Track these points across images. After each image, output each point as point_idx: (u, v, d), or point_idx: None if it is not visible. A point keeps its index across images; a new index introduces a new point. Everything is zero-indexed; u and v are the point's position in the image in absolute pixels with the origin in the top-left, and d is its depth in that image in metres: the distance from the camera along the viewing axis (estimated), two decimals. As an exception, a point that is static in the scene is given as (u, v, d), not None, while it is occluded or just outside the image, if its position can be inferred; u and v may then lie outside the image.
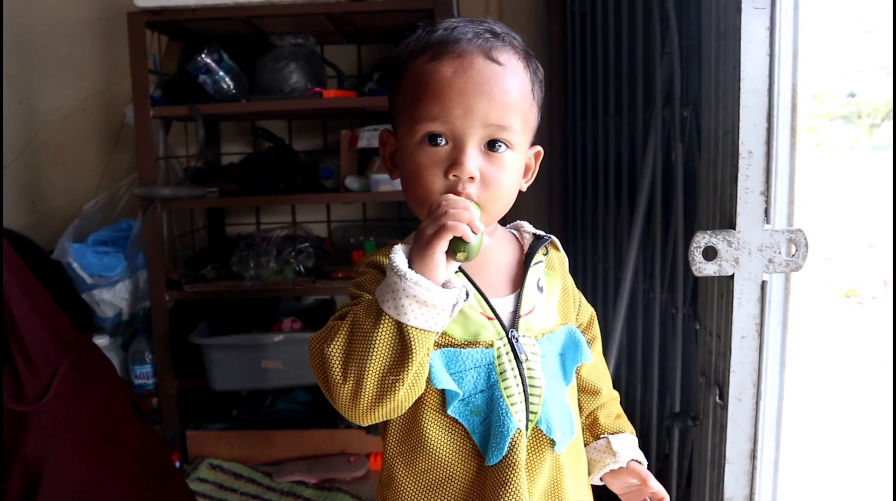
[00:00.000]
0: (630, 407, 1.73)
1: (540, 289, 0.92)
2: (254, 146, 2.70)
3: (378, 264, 0.86)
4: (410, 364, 0.74)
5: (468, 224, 0.75)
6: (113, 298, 2.32)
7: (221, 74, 2.26)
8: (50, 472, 1.10)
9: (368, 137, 2.24)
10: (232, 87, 2.28)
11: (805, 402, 3.01)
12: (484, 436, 0.85)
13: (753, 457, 1.22)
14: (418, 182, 0.83)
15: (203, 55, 2.23)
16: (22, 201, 2.70)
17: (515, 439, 0.84)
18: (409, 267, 0.75)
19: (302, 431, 2.26)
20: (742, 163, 1.11)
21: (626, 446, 1.00)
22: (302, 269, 2.26)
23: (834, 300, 5.10)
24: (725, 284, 1.17)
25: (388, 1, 2.15)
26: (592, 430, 1.02)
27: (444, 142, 0.82)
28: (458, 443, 0.85)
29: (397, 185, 2.15)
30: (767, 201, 1.13)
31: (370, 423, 0.80)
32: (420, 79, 0.83)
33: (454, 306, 0.76)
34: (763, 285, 1.15)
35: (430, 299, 0.74)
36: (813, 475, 2.42)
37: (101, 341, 2.25)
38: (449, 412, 0.84)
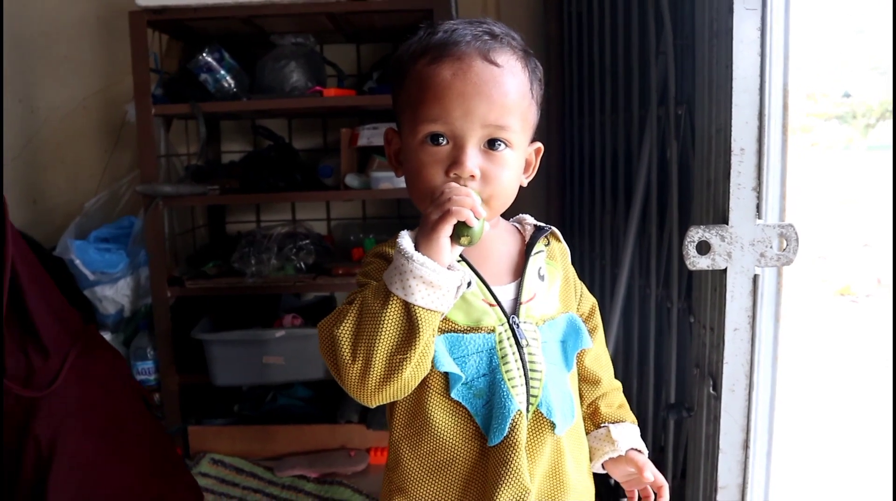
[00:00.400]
0: (627, 400, 1.76)
1: (541, 277, 0.95)
2: (254, 145, 2.73)
3: (384, 254, 0.90)
4: (417, 343, 0.78)
5: (471, 210, 0.79)
6: (115, 294, 2.34)
7: (223, 72, 2.28)
8: (61, 453, 1.13)
9: (368, 136, 2.26)
10: (233, 85, 2.30)
11: (802, 398, 3.05)
12: (486, 418, 0.88)
13: (746, 447, 1.25)
14: (421, 180, 0.87)
15: (204, 54, 2.25)
16: (23, 199, 2.72)
17: (516, 420, 0.87)
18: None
19: (303, 426, 2.29)
20: (734, 160, 1.14)
21: (626, 435, 1.02)
22: (303, 266, 2.28)
23: (828, 299, 5.14)
24: (718, 278, 1.20)
25: (388, 1, 2.18)
26: (594, 419, 1.04)
27: (445, 142, 0.86)
28: (462, 425, 0.89)
29: (397, 183, 2.19)
30: (759, 197, 1.16)
31: (377, 404, 0.83)
32: (421, 81, 0.86)
33: (458, 287, 0.80)
34: (755, 278, 1.18)
35: (436, 279, 0.78)
36: (811, 469, 2.46)
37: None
38: (452, 395, 0.87)
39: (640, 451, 1.02)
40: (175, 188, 2.24)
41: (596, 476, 1.03)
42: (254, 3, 2.12)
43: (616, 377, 1.09)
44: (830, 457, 2.57)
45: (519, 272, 0.94)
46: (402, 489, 0.91)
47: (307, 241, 2.32)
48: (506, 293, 0.92)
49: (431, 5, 2.15)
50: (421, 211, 0.86)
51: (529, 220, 1.00)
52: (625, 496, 1.05)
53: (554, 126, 2.48)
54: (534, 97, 0.91)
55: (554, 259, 1.00)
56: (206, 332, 2.22)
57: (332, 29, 2.36)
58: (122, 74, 2.54)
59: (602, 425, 1.03)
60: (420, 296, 0.78)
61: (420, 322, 0.78)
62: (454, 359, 0.87)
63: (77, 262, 2.26)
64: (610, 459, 1.01)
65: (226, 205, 2.72)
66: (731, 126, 1.13)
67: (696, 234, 1.15)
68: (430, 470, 0.90)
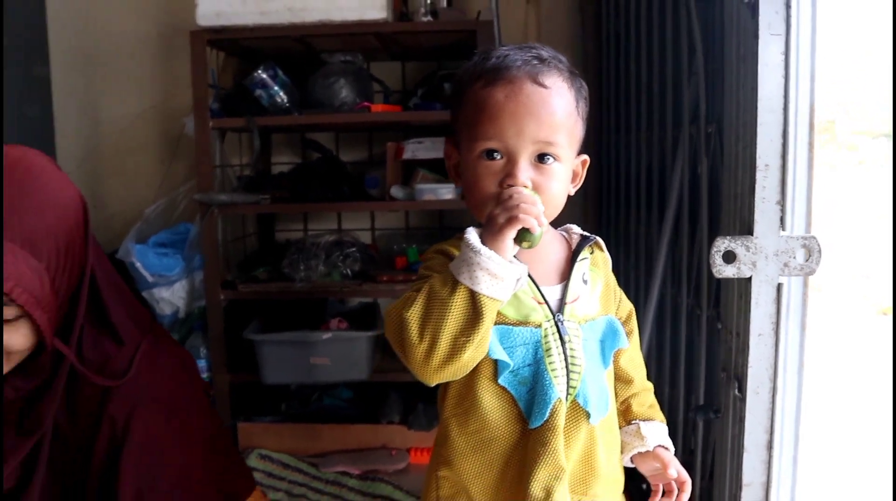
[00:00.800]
0: (658, 401, 1.82)
1: (584, 282, 1.05)
2: (303, 157, 2.84)
3: (446, 251, 1.01)
4: (479, 327, 0.88)
5: (535, 218, 0.89)
6: (171, 296, 2.45)
7: (276, 88, 2.40)
8: (133, 434, 1.24)
9: (413, 149, 2.36)
10: (285, 100, 2.41)
11: (843, 414, 3.05)
12: (528, 403, 0.98)
13: (770, 447, 1.31)
14: (477, 190, 0.98)
15: (260, 71, 2.37)
16: (85, 206, 2.86)
17: (556, 407, 0.97)
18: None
19: (347, 425, 2.38)
20: (759, 175, 1.21)
21: (655, 432, 1.11)
22: (349, 272, 2.38)
23: (870, 318, 5.09)
24: (744, 285, 1.27)
25: (434, 22, 2.29)
26: (626, 416, 1.13)
27: (499, 156, 0.96)
28: (506, 408, 0.99)
29: (440, 194, 2.28)
30: (783, 210, 1.22)
31: (437, 382, 0.93)
32: (477, 103, 0.97)
33: (518, 279, 0.90)
34: (779, 287, 1.25)
35: (500, 271, 0.88)
36: (849, 475, 2.47)
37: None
38: (500, 381, 0.98)
39: (666, 448, 1.10)
40: (230, 197, 2.36)
41: (630, 478, 1.11)
42: (306, 23, 2.24)
43: (648, 379, 1.18)
44: (869, 470, 2.59)
45: (565, 276, 1.04)
46: (448, 461, 1.00)
47: (353, 249, 2.42)
48: (553, 294, 1.02)
49: (475, 27, 2.25)
50: (476, 218, 0.97)
51: (576, 229, 1.10)
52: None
53: (591, 141, 2.55)
54: (579, 114, 1.01)
55: (597, 266, 1.09)
56: (257, 333, 2.34)
57: (379, 48, 2.47)
58: (180, 89, 2.68)
59: (633, 421, 1.12)
60: (485, 285, 0.87)
61: (483, 308, 0.88)
62: (503, 349, 0.97)
63: (137, 265, 2.38)
64: (638, 453, 1.10)
65: (275, 214, 2.84)
66: (756, 144, 1.20)
67: (722, 244, 1.22)
68: (474, 446, 1.00)
